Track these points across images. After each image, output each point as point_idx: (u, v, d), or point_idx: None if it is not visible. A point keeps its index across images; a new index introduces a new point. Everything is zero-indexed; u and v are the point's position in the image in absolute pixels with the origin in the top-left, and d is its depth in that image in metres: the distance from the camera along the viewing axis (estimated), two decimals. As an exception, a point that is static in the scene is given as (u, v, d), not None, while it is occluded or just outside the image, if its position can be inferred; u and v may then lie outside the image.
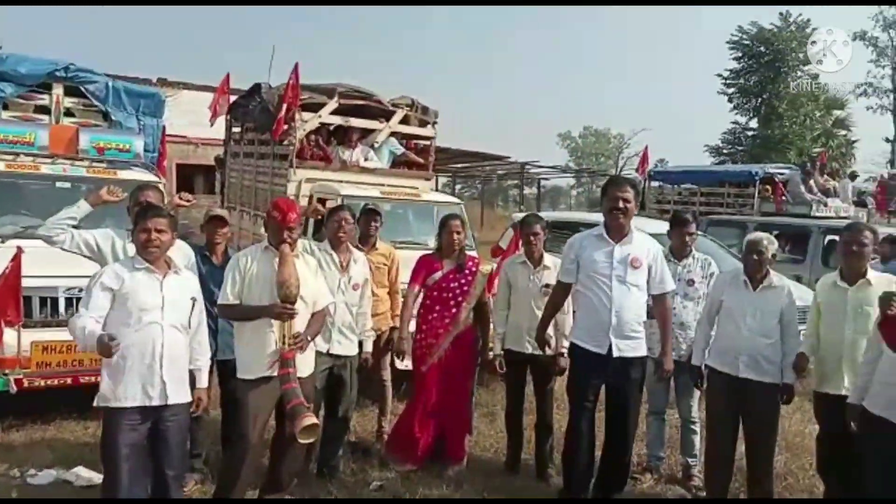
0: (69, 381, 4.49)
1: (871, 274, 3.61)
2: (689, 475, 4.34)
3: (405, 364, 4.99)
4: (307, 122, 7.47)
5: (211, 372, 3.61)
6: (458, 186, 34.34)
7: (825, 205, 11.58)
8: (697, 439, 4.36)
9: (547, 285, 4.25)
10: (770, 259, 3.83)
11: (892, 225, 11.19)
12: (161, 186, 5.87)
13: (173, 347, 3.05)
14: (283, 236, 3.40)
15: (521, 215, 6.32)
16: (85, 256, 3.63)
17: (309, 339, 3.45)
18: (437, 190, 19.84)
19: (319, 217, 4.50)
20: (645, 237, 3.87)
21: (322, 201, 6.83)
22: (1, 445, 4.40)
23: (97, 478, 3.70)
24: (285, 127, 7.22)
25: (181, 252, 3.69)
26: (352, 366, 4.15)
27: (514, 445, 4.50)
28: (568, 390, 3.99)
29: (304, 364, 3.49)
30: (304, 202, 7.14)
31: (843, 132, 29.77)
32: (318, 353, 3.82)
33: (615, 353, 3.68)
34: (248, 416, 3.37)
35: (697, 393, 4.35)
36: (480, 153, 19.12)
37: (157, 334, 3.00)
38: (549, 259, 4.37)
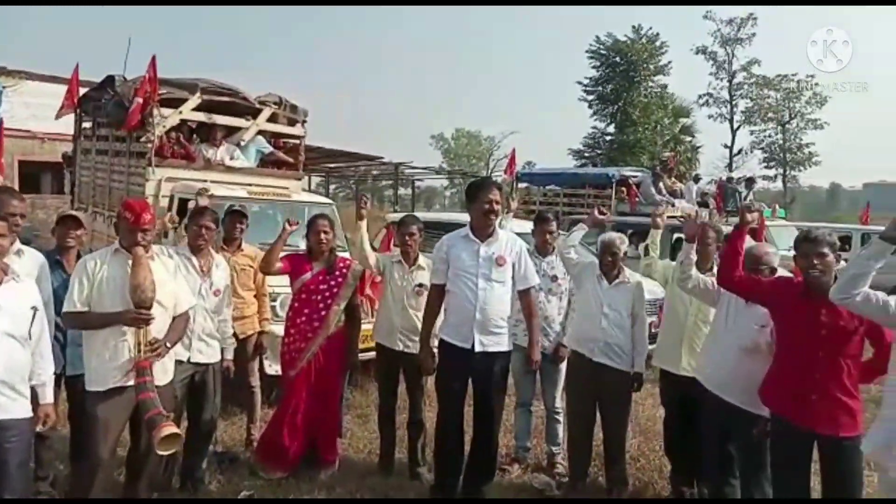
0: None
1: (716, 267, 3.97)
2: (554, 463, 4.57)
3: (275, 369, 4.89)
4: (167, 119, 7.06)
5: (58, 386, 3.34)
6: (332, 186, 33.88)
7: (673, 205, 12.58)
8: (561, 428, 4.59)
9: (420, 285, 4.32)
10: (622, 257, 4.15)
11: (729, 224, 12.33)
12: (-4, 185, 5.34)
13: (9, 358, 2.78)
14: (136, 238, 3.21)
15: (395, 215, 6.36)
16: None
17: (168, 345, 3.27)
18: (309, 190, 19.52)
19: (175, 228, 4.28)
20: (509, 235, 4.02)
21: (184, 201, 6.52)
22: None
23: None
24: (139, 118, 6.77)
25: (31, 260, 3.39)
26: (215, 373, 3.98)
27: (386, 445, 4.52)
28: (436, 386, 4.08)
29: (162, 372, 3.31)
30: (164, 203, 6.78)
31: (689, 138, 32.47)
32: (179, 362, 3.64)
33: (478, 348, 3.79)
34: (98, 431, 3.14)
35: (561, 385, 4.59)
36: (354, 153, 18.98)
37: None
38: (423, 259, 4.43)
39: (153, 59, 6.75)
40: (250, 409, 4.77)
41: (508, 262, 3.87)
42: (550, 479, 4.35)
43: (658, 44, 30.74)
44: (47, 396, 3.04)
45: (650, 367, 4.25)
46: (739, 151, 35.40)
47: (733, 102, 35.02)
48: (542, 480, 4.33)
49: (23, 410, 2.86)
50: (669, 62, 31.22)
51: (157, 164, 6.89)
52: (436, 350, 4.04)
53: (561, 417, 4.58)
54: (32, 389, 2.95)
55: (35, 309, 2.93)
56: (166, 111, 7.03)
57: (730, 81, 34.83)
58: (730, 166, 33.30)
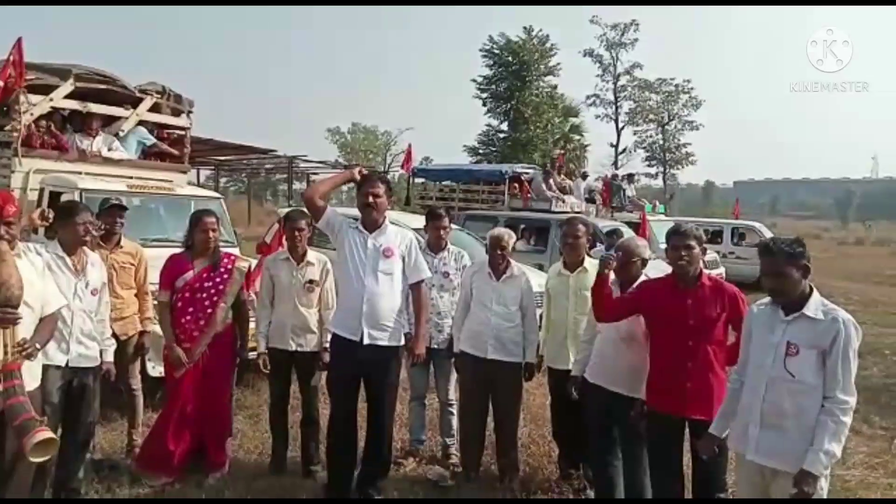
0: None
1: (588, 261, 4.19)
2: (448, 454, 4.65)
3: (159, 371, 4.67)
4: (35, 106, 6.55)
5: None
6: (223, 180, 32.58)
7: (563, 201, 13.10)
8: (455, 420, 4.66)
9: (311, 281, 4.26)
10: (511, 251, 4.28)
11: (614, 219, 12.99)
12: None
13: None
14: None
15: (288, 210, 6.22)
16: None
17: (38, 346, 3.04)
18: (197, 184, 18.69)
19: (47, 224, 3.98)
20: (398, 229, 4.03)
21: (56, 195, 6.08)
22: None
23: None
24: None
25: None
26: (94, 377, 3.75)
27: (279, 444, 4.43)
28: (327, 380, 4.06)
29: (30, 377, 3.06)
30: (33, 196, 6.30)
31: (578, 137, 33.78)
32: (57, 367, 3.42)
33: (366, 341, 3.78)
34: None
35: (454, 377, 4.67)
36: (245, 146, 18.29)
37: None
38: (312, 255, 4.37)
39: (19, 41, 6.23)
40: (132, 413, 4.53)
41: (397, 255, 3.88)
42: (445, 471, 4.42)
43: (548, 45, 31.72)
44: None
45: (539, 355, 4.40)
46: (624, 150, 37.30)
47: (618, 104, 36.83)
48: (436, 472, 4.39)
49: None
50: (559, 63, 32.32)
51: (24, 154, 6.39)
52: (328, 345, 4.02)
53: (455, 409, 4.66)
54: None
55: None
56: (34, 98, 6.53)
57: (614, 83, 36.58)
58: (615, 164, 34.97)
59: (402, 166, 15.61)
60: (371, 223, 3.88)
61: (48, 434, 2.80)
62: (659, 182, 38.68)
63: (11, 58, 6.23)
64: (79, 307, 3.61)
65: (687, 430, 3.32)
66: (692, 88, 36.65)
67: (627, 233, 8.77)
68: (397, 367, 4.00)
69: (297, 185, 27.50)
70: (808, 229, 42.26)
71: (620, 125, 37.03)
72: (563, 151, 24.30)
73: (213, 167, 25.20)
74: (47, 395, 3.33)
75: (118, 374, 4.07)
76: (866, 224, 53.62)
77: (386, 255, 3.84)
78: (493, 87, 31.99)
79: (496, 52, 31.65)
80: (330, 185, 4.17)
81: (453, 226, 6.49)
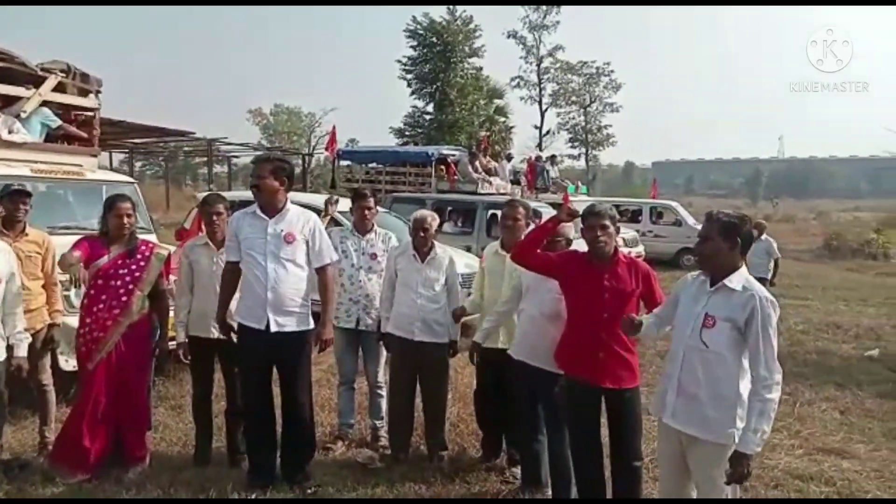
0: None
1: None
2: (377, 437, 4.66)
3: (71, 364, 4.46)
4: (-78, 85, 6.06)
5: None
6: (137, 164, 31.21)
7: (489, 183, 13.23)
8: (384, 402, 4.68)
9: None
10: (433, 233, 4.31)
11: (539, 200, 13.22)
12: None
13: None
14: None
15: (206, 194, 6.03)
16: None
17: None
18: (110, 168, 17.82)
19: None
20: (302, 212, 3.91)
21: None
22: None
23: None
24: None
25: None
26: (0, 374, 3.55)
27: (203, 435, 4.32)
28: (238, 370, 4.01)
29: None
30: (-77, 182, 5.84)
31: (503, 119, 34.13)
32: None
33: (273, 328, 3.73)
34: None
35: (383, 360, 4.67)
36: (161, 128, 17.52)
37: None
38: None
39: None
40: (43, 409, 4.31)
41: (299, 240, 3.81)
42: (374, 453, 4.43)
43: (472, 27, 31.76)
44: None
45: (465, 337, 4.45)
46: (548, 132, 37.99)
47: (541, 85, 37.39)
48: (365, 455, 4.39)
49: None
50: (483, 45, 32.44)
51: (-87, 137, 5.90)
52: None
53: (384, 392, 4.67)
54: None
55: None
56: (-78, 76, 6.03)
57: (538, 65, 37.09)
58: (539, 146, 35.58)
59: (327, 148, 15.35)
60: (270, 207, 3.79)
61: None
62: (581, 163, 39.71)
63: None
64: (-22, 299, 3.40)
65: (603, 402, 3.44)
66: (612, 71, 37.63)
67: (549, 214, 8.96)
68: (308, 351, 3.95)
69: (217, 169, 26.66)
70: (720, 208, 44.02)
71: (544, 107, 37.67)
72: (488, 133, 24.54)
73: (126, 150, 24.07)
74: None
75: (28, 370, 3.87)
76: (773, 202, 56.85)
77: (287, 240, 3.77)
78: (418, 68, 31.81)
79: (420, 32, 31.44)
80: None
81: (380, 209, 6.45)
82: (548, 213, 9.42)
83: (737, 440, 2.74)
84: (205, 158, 27.21)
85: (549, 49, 36.67)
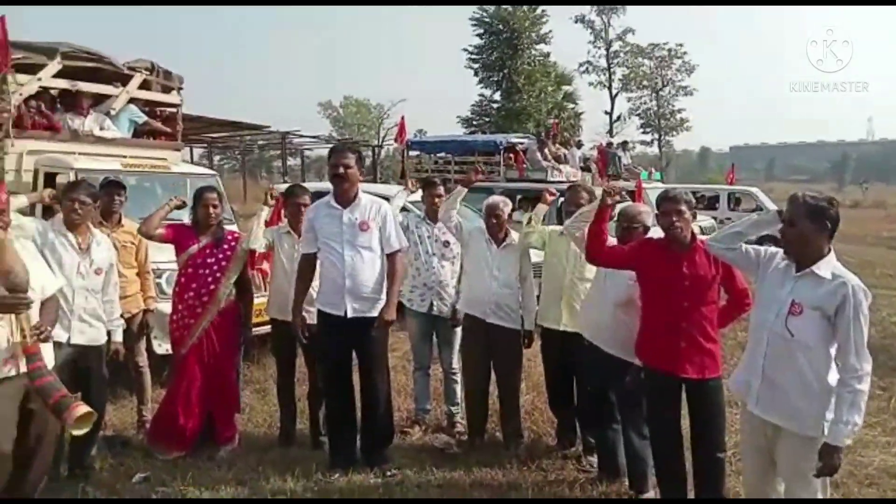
0: None
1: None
2: (453, 422, 4.71)
3: (165, 348, 4.71)
4: (24, 86, 6.47)
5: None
6: (216, 158, 32.38)
7: (559, 170, 13.06)
8: (458, 388, 4.73)
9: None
10: (507, 219, 4.31)
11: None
12: None
13: None
14: None
15: (284, 186, 6.22)
16: None
17: (49, 328, 3.07)
18: (191, 162, 18.56)
19: (55, 202, 3.98)
20: (373, 200, 4.00)
21: (51, 176, 6.05)
22: None
23: None
24: None
25: None
26: (99, 355, 3.78)
27: (286, 417, 4.50)
28: (317, 355, 4.14)
29: (48, 357, 3.11)
30: (27, 178, 6.26)
31: (572, 105, 33.57)
32: (59, 344, 3.43)
33: (350, 314, 3.83)
34: None
35: (457, 346, 4.72)
36: (238, 122, 18.09)
37: None
38: None
39: (2, 20, 6.13)
40: (140, 390, 4.58)
41: (373, 228, 3.90)
42: (450, 438, 4.50)
43: (538, 12, 31.34)
44: None
45: (538, 326, 4.45)
46: (618, 118, 37.11)
47: (611, 70, 36.52)
48: (442, 440, 4.46)
49: None
50: (550, 31, 31.95)
51: (16, 136, 6.32)
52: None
53: (458, 378, 4.72)
54: None
55: None
56: (22, 77, 6.44)
57: (607, 50, 36.24)
58: (610, 132, 34.84)
59: (397, 139, 15.50)
60: (343, 195, 3.88)
61: (86, 408, 2.92)
62: (654, 149, 38.57)
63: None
64: (81, 285, 3.64)
65: (684, 393, 3.36)
66: (685, 53, 36.36)
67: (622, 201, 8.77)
68: (385, 336, 4.04)
69: (291, 161, 27.33)
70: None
71: (614, 92, 36.80)
72: (557, 120, 24.18)
73: (205, 145, 24.99)
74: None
75: (125, 353, 4.12)
76: (863, 186, 53.64)
77: (362, 228, 3.86)
78: (485, 56, 31.64)
79: (486, 20, 31.25)
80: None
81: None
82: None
83: (826, 432, 2.63)
84: (279, 151, 27.95)
85: (619, 32, 35.75)
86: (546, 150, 13.65)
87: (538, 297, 4.45)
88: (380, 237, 3.92)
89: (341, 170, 3.84)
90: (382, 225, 3.93)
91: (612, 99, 36.83)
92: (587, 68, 36.22)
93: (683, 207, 3.29)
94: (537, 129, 23.55)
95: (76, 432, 2.97)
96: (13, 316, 2.91)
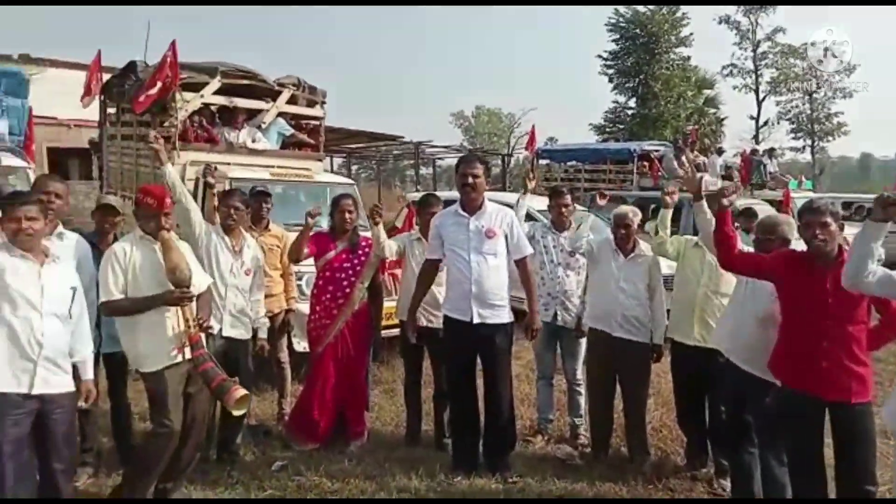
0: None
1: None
2: (576, 434, 4.65)
3: (303, 346, 5.03)
4: (189, 103, 7.18)
5: (97, 364, 3.49)
6: (354, 167, 33.91)
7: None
8: (582, 400, 4.66)
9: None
10: (636, 229, 4.20)
11: (754, 197, 12.19)
12: (30, 171, 5.52)
13: (52, 336, 2.93)
14: (160, 223, 3.34)
15: (417, 195, 6.44)
16: None
17: (208, 320, 3.46)
18: (331, 171, 19.64)
19: (214, 179, 4.38)
20: (499, 208, 4.08)
21: (209, 185, 6.65)
22: None
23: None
24: (149, 94, 6.81)
25: (72, 243, 3.52)
26: (246, 350, 4.12)
27: (413, 417, 4.65)
28: (442, 359, 4.26)
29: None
30: (189, 186, 6.92)
31: (713, 110, 31.87)
32: (211, 336, 3.80)
33: (476, 320, 3.91)
34: (166, 406, 3.31)
35: (582, 357, 4.66)
36: (375, 133, 18.96)
37: (35, 322, 2.88)
38: None
39: (173, 43, 6.84)
40: (281, 384, 4.92)
41: (499, 235, 3.97)
42: (573, 450, 4.44)
43: (679, 14, 30.11)
44: (87, 373, 3.20)
45: (668, 340, 4.29)
46: (765, 123, 34.67)
47: (758, 73, 34.25)
48: (564, 451, 4.42)
49: (65, 385, 3.02)
50: (691, 33, 30.58)
51: (181, 148, 7.02)
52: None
53: (582, 389, 4.65)
54: (73, 366, 3.10)
55: (74, 289, 3.08)
56: (188, 95, 7.14)
57: (754, 51, 34.03)
58: (756, 138, 32.66)
59: (527, 148, 15.53)
60: (470, 204, 3.97)
61: (244, 391, 3.28)
62: (806, 156, 35.65)
63: (167, 59, 6.86)
64: (233, 283, 4.01)
65: (827, 418, 3.10)
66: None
67: (766, 212, 8.22)
68: (509, 343, 4.09)
69: (423, 170, 28.08)
70: None
71: (761, 96, 34.44)
72: (696, 126, 23.10)
73: (344, 155, 26.29)
74: None
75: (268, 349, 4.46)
76: None
77: (488, 236, 3.94)
78: (620, 62, 30.86)
79: (622, 25, 30.48)
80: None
81: (579, 206, 6.40)
82: (763, 210, 8.67)
83: None
84: (412, 161, 28.84)
85: (768, 32, 33.49)
86: (683, 158, 13.02)
87: (668, 310, 4.30)
88: (506, 244, 3.99)
89: (470, 179, 3.95)
90: (509, 232, 4.01)
91: (759, 103, 34.47)
92: (731, 71, 34.22)
93: (828, 219, 3.05)
94: (675, 136, 22.60)
95: (236, 412, 3.32)
96: (179, 308, 3.27)
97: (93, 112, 10.18)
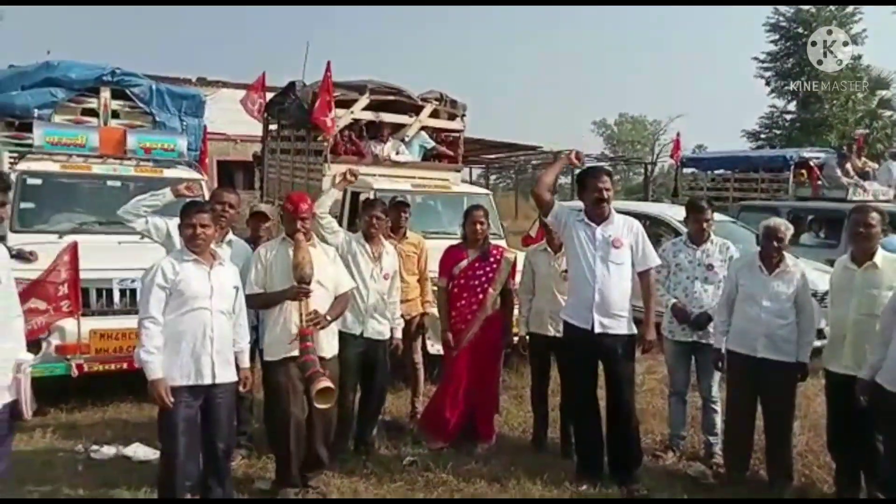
0: (124, 366, 4.78)
1: (880, 255, 3.67)
2: (711, 453, 4.47)
3: (436, 348, 5.26)
4: (340, 119, 7.74)
5: (253, 357, 3.88)
6: (492, 177, 34.34)
7: (863, 189, 11.34)
8: (718, 418, 4.47)
9: (566, 270, 4.43)
10: (787, 244, 3.98)
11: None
12: (203, 183, 6.22)
13: (221, 331, 3.35)
14: (296, 226, 3.70)
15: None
16: (153, 240, 3.94)
17: (329, 319, 3.72)
18: (470, 181, 20.07)
19: (353, 180, 4.72)
20: (625, 218, 4.08)
21: (356, 194, 7.12)
22: (65, 425, 4.77)
23: (153, 454, 4.03)
24: (333, 118, 7.42)
25: (238, 249, 4.01)
26: (385, 349, 4.40)
27: (539, 424, 4.71)
28: (560, 364, 4.28)
29: (328, 346, 3.79)
30: (338, 196, 7.44)
31: (889, 113, 28.84)
32: (353, 336, 4.12)
33: (597, 329, 3.89)
34: (285, 393, 3.66)
35: (717, 373, 4.47)
36: (513, 144, 19.17)
37: (206, 319, 3.30)
38: None
39: (328, 65, 7.43)
40: (414, 383, 5.17)
41: (626, 245, 3.94)
42: (706, 469, 4.28)
43: (849, 10, 27.59)
44: (245, 362, 3.60)
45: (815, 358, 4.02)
46: (953, 125, 30.84)
47: (947, 68, 30.57)
48: (697, 469, 4.27)
49: (231, 375, 3.44)
50: (864, 30, 27.90)
51: (332, 160, 7.59)
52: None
53: (718, 407, 4.47)
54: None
55: (237, 288, 3.51)
56: (340, 112, 7.70)
57: (941, 46, 30.44)
58: (940, 142, 29.16)
59: (672, 156, 14.99)
60: (599, 215, 3.98)
61: (328, 383, 3.46)
62: None
63: (327, 79, 7.45)
64: (374, 287, 4.29)
65: None
66: None
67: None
68: (632, 354, 4.04)
69: (563, 180, 27.85)
70: None
71: (950, 95, 30.71)
72: (866, 131, 21.06)
73: (483, 165, 26.73)
74: (345, 361, 4.05)
75: (403, 350, 4.71)
76: None
77: (615, 245, 3.93)
78: (779, 63, 28.80)
79: (783, 24, 28.47)
80: (552, 174, 4.29)
81: (725, 218, 6.14)
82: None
83: None
84: (551, 170, 28.70)
85: (958, 23, 29.82)
86: (848, 166, 11.97)
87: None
88: (632, 255, 3.97)
89: (605, 194, 3.98)
90: (635, 242, 3.99)
91: (947, 103, 30.79)
92: (911, 69, 30.81)
93: None
94: (840, 142, 20.73)
95: (319, 405, 3.48)
96: (299, 303, 3.58)
97: (257, 127, 11.23)
